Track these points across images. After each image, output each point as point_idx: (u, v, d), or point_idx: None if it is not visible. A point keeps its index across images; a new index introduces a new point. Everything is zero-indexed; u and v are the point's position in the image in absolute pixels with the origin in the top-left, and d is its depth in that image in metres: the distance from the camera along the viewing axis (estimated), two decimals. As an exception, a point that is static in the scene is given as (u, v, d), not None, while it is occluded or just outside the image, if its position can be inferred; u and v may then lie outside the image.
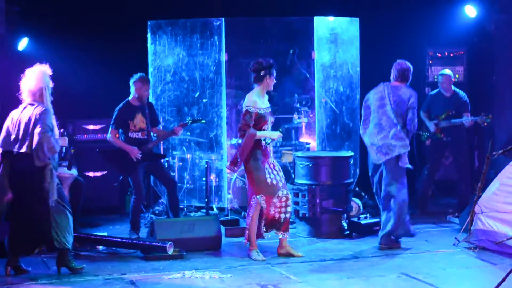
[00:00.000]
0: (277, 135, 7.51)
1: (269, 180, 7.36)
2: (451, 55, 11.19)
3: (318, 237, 8.37)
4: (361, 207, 9.17)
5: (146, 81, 8.59)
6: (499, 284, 5.62)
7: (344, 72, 9.96)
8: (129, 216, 8.49)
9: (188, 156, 9.84)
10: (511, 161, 7.75)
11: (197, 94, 9.83)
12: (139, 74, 8.51)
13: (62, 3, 10.01)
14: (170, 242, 7.43)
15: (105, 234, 8.30)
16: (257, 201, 7.36)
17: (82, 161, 9.26)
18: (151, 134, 8.66)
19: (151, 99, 9.38)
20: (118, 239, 7.82)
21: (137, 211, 8.43)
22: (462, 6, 10.55)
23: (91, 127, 10.10)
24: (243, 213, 9.19)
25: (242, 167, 7.48)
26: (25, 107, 6.75)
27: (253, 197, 7.40)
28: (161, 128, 9.03)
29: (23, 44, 9.73)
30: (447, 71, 9.84)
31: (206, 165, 9.42)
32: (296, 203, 8.48)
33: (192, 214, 9.55)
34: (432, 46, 11.18)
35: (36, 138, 6.56)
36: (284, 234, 7.51)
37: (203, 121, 9.24)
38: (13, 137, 6.71)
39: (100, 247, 7.81)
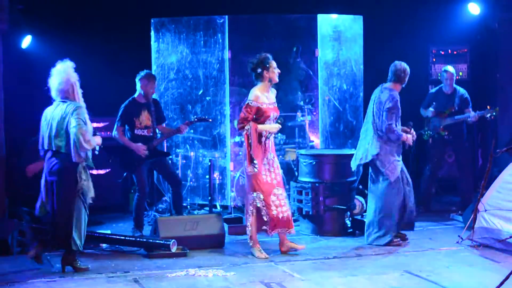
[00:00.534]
0: (276, 127, 7.51)
1: (264, 178, 7.36)
2: (454, 52, 11.18)
3: (321, 235, 8.38)
4: (364, 205, 9.15)
5: (152, 78, 8.58)
6: (502, 282, 5.62)
7: (347, 70, 9.96)
8: (132, 214, 8.51)
9: (192, 154, 9.84)
10: (514, 159, 7.77)
11: (201, 91, 9.83)
12: (145, 71, 8.50)
13: (65, 1, 10.01)
14: (173, 240, 7.44)
15: (109, 232, 8.32)
16: (253, 199, 7.37)
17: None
18: (157, 131, 8.65)
19: (155, 97, 9.37)
20: (122, 237, 7.81)
21: (140, 209, 8.43)
22: (465, 3, 10.51)
23: (94, 125, 9.97)
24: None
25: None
26: (58, 105, 6.80)
27: (250, 194, 7.40)
28: (165, 125, 9.03)
29: (26, 42, 9.71)
30: (451, 68, 9.83)
31: (209, 163, 9.41)
32: (300, 201, 8.48)
33: (195, 212, 9.56)
34: (435, 43, 11.16)
35: (72, 134, 6.61)
36: (284, 231, 7.47)
37: (209, 119, 9.20)
38: (47, 135, 6.77)
39: (104, 245, 7.82)
